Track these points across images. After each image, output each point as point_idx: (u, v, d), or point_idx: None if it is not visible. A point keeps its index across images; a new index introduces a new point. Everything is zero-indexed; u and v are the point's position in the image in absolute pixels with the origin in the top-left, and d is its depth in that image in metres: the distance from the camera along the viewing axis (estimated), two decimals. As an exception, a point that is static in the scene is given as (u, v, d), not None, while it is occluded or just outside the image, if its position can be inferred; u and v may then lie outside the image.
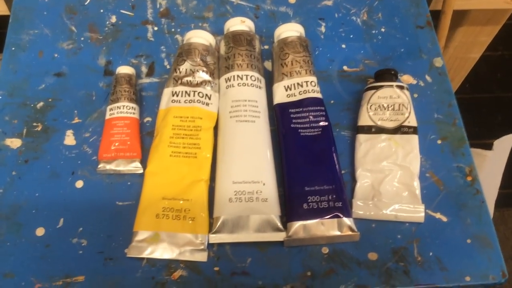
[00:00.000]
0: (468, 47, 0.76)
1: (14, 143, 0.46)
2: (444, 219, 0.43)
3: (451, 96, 0.49)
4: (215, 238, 0.41)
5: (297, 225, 0.41)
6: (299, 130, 0.45)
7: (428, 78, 0.51)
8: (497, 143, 1.15)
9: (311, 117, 0.45)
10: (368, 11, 0.56)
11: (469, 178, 0.45)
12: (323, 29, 0.54)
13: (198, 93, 0.46)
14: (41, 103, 0.48)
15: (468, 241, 0.42)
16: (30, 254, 0.40)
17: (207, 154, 0.44)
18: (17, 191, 0.43)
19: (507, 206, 1.26)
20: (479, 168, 1.14)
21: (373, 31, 0.54)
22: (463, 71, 0.84)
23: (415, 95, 0.50)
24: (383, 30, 0.54)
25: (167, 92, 0.47)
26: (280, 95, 0.47)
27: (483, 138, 1.21)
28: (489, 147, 1.18)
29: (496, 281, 0.40)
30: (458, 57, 0.79)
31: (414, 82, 0.50)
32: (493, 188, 1.18)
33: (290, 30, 0.49)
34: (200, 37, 0.49)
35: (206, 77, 0.47)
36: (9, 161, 0.45)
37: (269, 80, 0.49)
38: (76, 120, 0.47)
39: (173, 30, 0.54)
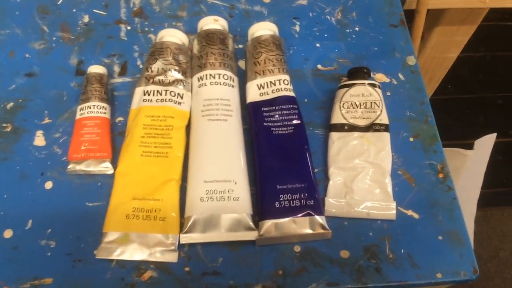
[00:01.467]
0: (445, 46, 0.77)
1: (-18, 144, 0.45)
2: (416, 216, 0.43)
3: (423, 94, 0.50)
4: (186, 238, 0.40)
5: (269, 223, 0.41)
6: (272, 129, 0.45)
7: (401, 76, 0.51)
8: (478, 142, 1.16)
9: (284, 115, 0.45)
10: (343, 10, 0.56)
11: (440, 175, 0.45)
12: (297, 28, 0.54)
13: (170, 92, 0.46)
14: (11, 104, 0.47)
15: (440, 237, 0.42)
16: (-3, 257, 0.39)
17: (179, 153, 0.44)
18: (-16, 193, 0.42)
19: (489, 205, 1.27)
20: (460, 167, 1.15)
21: (347, 30, 0.54)
22: (441, 70, 0.84)
23: (388, 93, 0.50)
24: (357, 29, 0.55)
25: (138, 91, 0.46)
26: (253, 94, 0.47)
27: (465, 139, 1.22)
28: (471, 147, 1.19)
29: (467, 278, 0.40)
30: (436, 56, 0.80)
31: (387, 80, 0.51)
32: (475, 187, 1.19)
33: (264, 28, 0.49)
34: (172, 36, 0.49)
35: (178, 76, 0.47)
36: (-24, 163, 0.44)
37: (243, 78, 0.49)
38: (47, 121, 0.47)
39: (146, 29, 0.53)
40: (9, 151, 0.45)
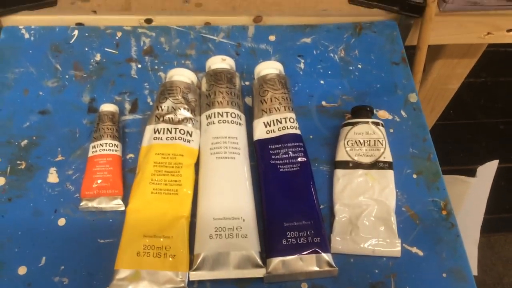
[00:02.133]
0: (446, 79, 0.79)
1: (-2, 181, 0.46)
2: (420, 253, 0.44)
3: (425, 131, 0.51)
4: (196, 276, 0.41)
5: (276, 261, 0.42)
6: (278, 166, 0.46)
7: (403, 113, 0.52)
8: (481, 169, 1.17)
9: (290, 153, 0.47)
10: (345, 48, 0.58)
11: (444, 212, 0.46)
12: (302, 65, 0.56)
13: (180, 130, 0.47)
14: (25, 141, 0.49)
15: (444, 275, 0.43)
16: (10, 294, 0.40)
17: (188, 190, 0.45)
18: (0, 229, 0.44)
19: (493, 231, 1.27)
20: (463, 194, 1.16)
21: (350, 67, 0.56)
22: (443, 101, 0.86)
23: (391, 130, 0.51)
24: (359, 66, 0.56)
25: (149, 129, 0.48)
26: (260, 131, 0.48)
27: (467, 164, 1.23)
28: (473, 172, 1.20)
29: (471, 315, 0.41)
30: (438, 88, 0.82)
31: (390, 117, 0.52)
32: (478, 214, 1.19)
33: (269, 67, 0.51)
34: (182, 75, 0.50)
35: (188, 114, 0.48)
36: (-8, 200, 0.45)
37: (250, 115, 0.51)
38: (60, 158, 0.48)
39: (156, 67, 0.55)
40: (23, 188, 0.46)
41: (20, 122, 0.50)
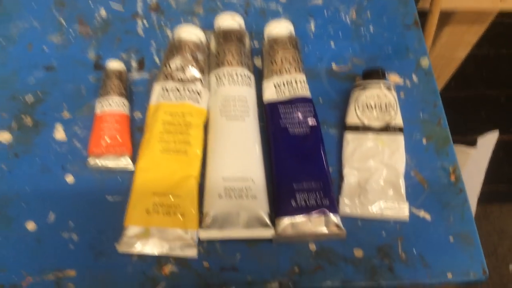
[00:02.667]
0: (454, 46, 0.78)
1: (4, 136, 0.45)
2: (428, 217, 0.44)
3: (436, 97, 0.50)
4: (205, 234, 0.41)
5: (285, 222, 0.42)
6: (288, 128, 0.46)
7: (414, 78, 0.52)
8: (481, 140, 1.17)
9: (300, 116, 0.46)
10: (357, 9, 0.56)
11: (452, 178, 0.46)
12: (312, 27, 0.55)
13: (189, 89, 0.46)
14: (30, 97, 0.48)
15: (451, 239, 0.43)
16: (21, 248, 0.40)
17: (197, 150, 0.44)
18: (7, 185, 0.43)
19: (489, 202, 1.29)
20: (462, 165, 1.17)
21: (362, 30, 0.55)
22: (449, 69, 0.85)
23: (402, 95, 0.51)
24: (371, 29, 0.55)
25: (157, 87, 0.47)
26: (270, 93, 0.48)
27: (467, 134, 1.23)
28: (473, 143, 1.20)
29: (477, 278, 0.42)
30: (445, 56, 0.81)
31: (401, 81, 0.51)
32: (477, 184, 1.20)
33: (280, 27, 0.50)
34: (190, 32, 0.49)
35: (197, 73, 0.47)
36: (-2, 155, 0.45)
37: (259, 76, 0.50)
38: (66, 114, 0.47)
39: (162, 24, 0.54)
40: (30, 143, 0.45)
41: (25, 77, 0.49)
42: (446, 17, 0.73)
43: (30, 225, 0.42)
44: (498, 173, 1.29)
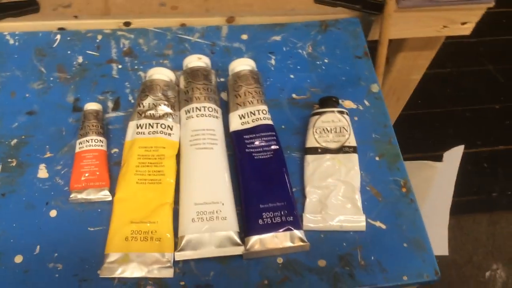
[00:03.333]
0: (409, 70, 0.84)
1: (-10, 178, 0.49)
2: (383, 226, 0.49)
3: (386, 118, 0.56)
4: (180, 256, 0.45)
5: (253, 239, 0.46)
6: (253, 154, 0.50)
7: (366, 102, 0.57)
8: (447, 154, 1.24)
9: (263, 141, 0.51)
10: (313, 44, 0.62)
11: (404, 190, 0.51)
12: (273, 61, 0.61)
13: (161, 124, 0.51)
14: (14, 140, 0.52)
15: (405, 245, 0.48)
16: (9, 279, 0.44)
17: (171, 179, 0.49)
18: (-6, 223, 0.47)
19: (462, 213, 1.34)
20: (431, 179, 1.22)
21: (318, 62, 0.61)
22: (407, 90, 0.91)
23: (355, 118, 0.56)
24: (326, 61, 0.61)
25: (132, 125, 0.51)
26: (236, 123, 0.52)
27: (436, 151, 1.29)
28: (441, 158, 1.26)
29: (430, 279, 0.46)
30: (401, 79, 0.87)
31: (355, 106, 0.57)
32: (447, 197, 1.26)
33: (243, 64, 0.55)
34: (161, 73, 0.54)
35: (168, 110, 0.52)
36: (-14, 196, 0.48)
37: (226, 109, 0.55)
38: (48, 155, 0.51)
39: (136, 67, 0.59)
40: (15, 184, 0.49)
41: (9, 122, 0.53)
42: (399, 44, 0.79)
43: (18, 258, 0.45)
44: (468, 185, 1.35)
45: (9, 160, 0.50)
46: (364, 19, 0.64)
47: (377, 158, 0.53)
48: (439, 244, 1.35)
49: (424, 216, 1.24)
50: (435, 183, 1.19)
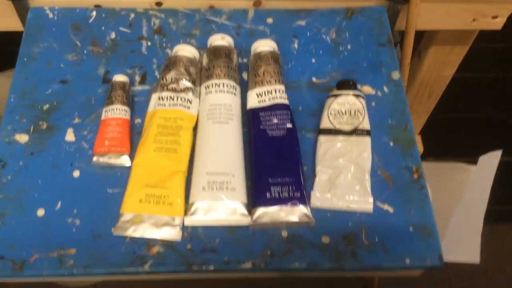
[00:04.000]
0: (440, 65, 0.83)
1: (22, 138, 0.53)
2: (391, 210, 0.49)
3: (404, 105, 0.56)
4: (189, 221, 0.47)
5: (260, 211, 0.47)
6: (267, 131, 0.52)
7: (385, 89, 0.57)
8: (483, 158, 1.20)
9: (278, 120, 0.52)
10: (337, 30, 0.63)
11: (415, 176, 0.51)
12: (296, 45, 0.62)
13: (181, 97, 0.53)
14: (47, 105, 0.56)
15: (411, 229, 0.48)
16: (31, 230, 0.47)
17: (186, 150, 0.51)
18: (22, 178, 0.50)
19: (497, 222, 1.30)
20: (465, 182, 1.19)
21: (340, 48, 0.61)
22: (439, 87, 0.90)
23: (373, 103, 0.56)
24: (349, 47, 0.61)
25: (154, 97, 0.54)
26: (253, 101, 0.54)
27: (473, 156, 1.26)
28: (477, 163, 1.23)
29: (432, 264, 0.46)
30: (433, 74, 0.86)
31: (373, 92, 0.57)
32: (481, 202, 1.22)
33: (264, 45, 0.57)
34: (185, 50, 0.56)
35: (189, 84, 0.54)
36: (17, 153, 0.52)
37: (246, 89, 0.56)
38: (77, 120, 0.55)
39: (164, 45, 0.61)
40: (44, 145, 0.53)
41: (43, 89, 0.57)
42: (430, 38, 0.78)
43: (40, 212, 0.48)
44: (505, 193, 1.30)
45: (40, 123, 0.54)
46: (391, 8, 0.64)
47: (391, 144, 0.53)
48: (471, 251, 1.31)
49: (456, 220, 1.21)
50: (469, 187, 1.16)
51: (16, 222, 0.48)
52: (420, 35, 0.83)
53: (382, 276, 1.17)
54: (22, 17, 0.64)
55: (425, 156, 1.08)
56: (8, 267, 0.45)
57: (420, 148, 1.04)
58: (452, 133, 1.41)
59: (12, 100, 0.56)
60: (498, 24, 0.67)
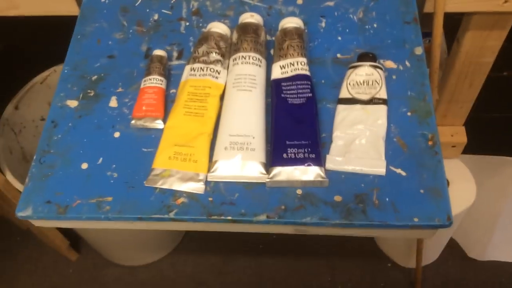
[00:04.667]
0: (479, 51, 0.82)
1: (73, 103, 0.60)
2: (404, 173, 0.51)
3: (424, 78, 0.57)
4: (212, 177, 0.52)
5: (277, 169, 0.51)
6: (288, 99, 0.55)
7: (407, 63, 0.59)
8: None
9: (299, 89, 0.56)
10: (364, 10, 0.65)
11: (430, 143, 0.53)
12: (323, 24, 0.65)
13: (210, 68, 0.58)
14: (95, 76, 0.63)
15: (422, 191, 0.50)
16: (75, 181, 0.54)
17: (212, 114, 0.56)
18: (70, 137, 0.57)
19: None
20: (512, 177, 1.15)
21: (366, 26, 0.64)
22: (480, 75, 0.88)
23: (394, 77, 0.58)
24: (375, 25, 0.64)
25: (187, 68, 0.59)
26: (276, 72, 0.58)
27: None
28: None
29: (441, 223, 0.48)
30: (472, 61, 0.85)
31: (395, 66, 0.59)
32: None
33: (290, 22, 0.61)
34: (217, 27, 0.61)
35: (218, 57, 0.59)
36: (67, 116, 0.59)
37: (272, 63, 0.60)
38: (120, 90, 0.61)
39: (200, 25, 0.67)
40: (90, 109, 0.60)
41: (93, 63, 0.64)
42: (466, 23, 0.78)
43: (84, 165, 0.55)
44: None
45: (89, 91, 0.61)
46: (418, -12, 0.66)
47: (408, 114, 0.55)
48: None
49: (506, 217, 1.19)
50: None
51: (63, 173, 0.54)
52: (458, 22, 0.83)
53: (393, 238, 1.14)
54: (79, 2, 0.71)
55: (469, 150, 1.07)
56: (54, 210, 0.52)
57: (463, 139, 1.03)
58: (499, 130, 1.36)
59: (65, 71, 0.63)
60: (531, 4, 0.66)
